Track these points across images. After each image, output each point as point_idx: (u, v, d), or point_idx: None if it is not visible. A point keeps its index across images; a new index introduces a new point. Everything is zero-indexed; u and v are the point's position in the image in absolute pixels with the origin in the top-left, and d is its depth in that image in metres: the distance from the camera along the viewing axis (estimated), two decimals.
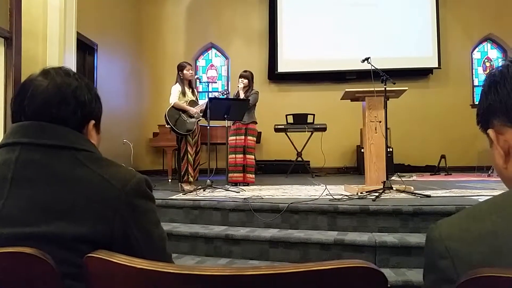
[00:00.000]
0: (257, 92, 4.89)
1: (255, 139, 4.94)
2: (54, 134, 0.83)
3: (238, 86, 4.87)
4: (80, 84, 0.90)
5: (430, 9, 7.65)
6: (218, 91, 6.48)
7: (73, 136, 0.85)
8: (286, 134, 6.66)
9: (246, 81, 4.86)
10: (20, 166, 0.79)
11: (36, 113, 0.84)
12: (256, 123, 4.91)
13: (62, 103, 0.86)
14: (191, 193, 3.83)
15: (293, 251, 2.79)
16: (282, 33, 7.85)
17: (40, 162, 0.80)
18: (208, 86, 6.94)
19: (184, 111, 4.49)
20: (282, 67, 7.82)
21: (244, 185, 4.69)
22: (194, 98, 4.66)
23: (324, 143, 6.63)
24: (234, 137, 4.79)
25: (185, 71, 4.58)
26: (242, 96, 4.79)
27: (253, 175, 4.88)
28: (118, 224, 0.79)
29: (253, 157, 4.88)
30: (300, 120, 6.77)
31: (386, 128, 3.73)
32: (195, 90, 4.83)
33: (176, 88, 4.55)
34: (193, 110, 4.50)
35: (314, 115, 6.80)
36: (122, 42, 7.07)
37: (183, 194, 3.81)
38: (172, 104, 4.47)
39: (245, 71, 4.97)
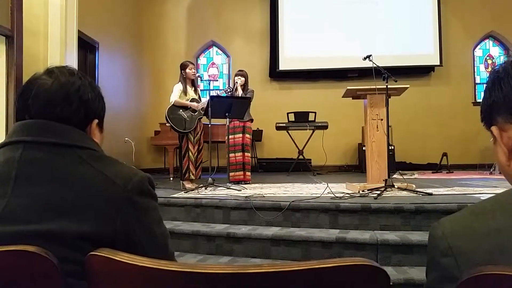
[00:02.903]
0: (253, 90, 4.92)
1: (251, 136, 4.97)
2: (57, 132, 0.83)
3: (236, 82, 4.86)
4: (84, 83, 0.91)
5: (431, 7, 7.63)
6: (223, 89, 6.48)
7: (76, 135, 0.86)
8: (288, 132, 6.65)
9: (243, 78, 4.85)
10: (23, 164, 0.80)
11: (40, 112, 0.85)
12: (252, 120, 4.93)
13: (66, 102, 0.86)
14: (193, 192, 3.83)
15: (295, 249, 2.79)
16: (283, 31, 7.82)
17: (43, 160, 0.80)
18: (209, 84, 6.96)
19: (185, 109, 4.50)
20: (283, 65, 7.80)
21: (246, 183, 4.70)
22: (196, 97, 4.67)
23: (326, 141, 6.62)
24: (232, 136, 4.79)
25: (187, 70, 4.60)
26: (240, 93, 4.78)
27: (250, 173, 4.90)
28: (120, 222, 0.79)
29: (249, 154, 4.93)
30: (301, 118, 6.76)
31: (388, 126, 3.72)
32: (198, 88, 4.84)
33: (178, 87, 4.57)
34: (195, 104, 4.52)
35: (315, 113, 6.79)
36: (123, 40, 7.07)
37: (184, 193, 3.81)
38: (172, 103, 4.48)
39: (240, 70, 4.98)
